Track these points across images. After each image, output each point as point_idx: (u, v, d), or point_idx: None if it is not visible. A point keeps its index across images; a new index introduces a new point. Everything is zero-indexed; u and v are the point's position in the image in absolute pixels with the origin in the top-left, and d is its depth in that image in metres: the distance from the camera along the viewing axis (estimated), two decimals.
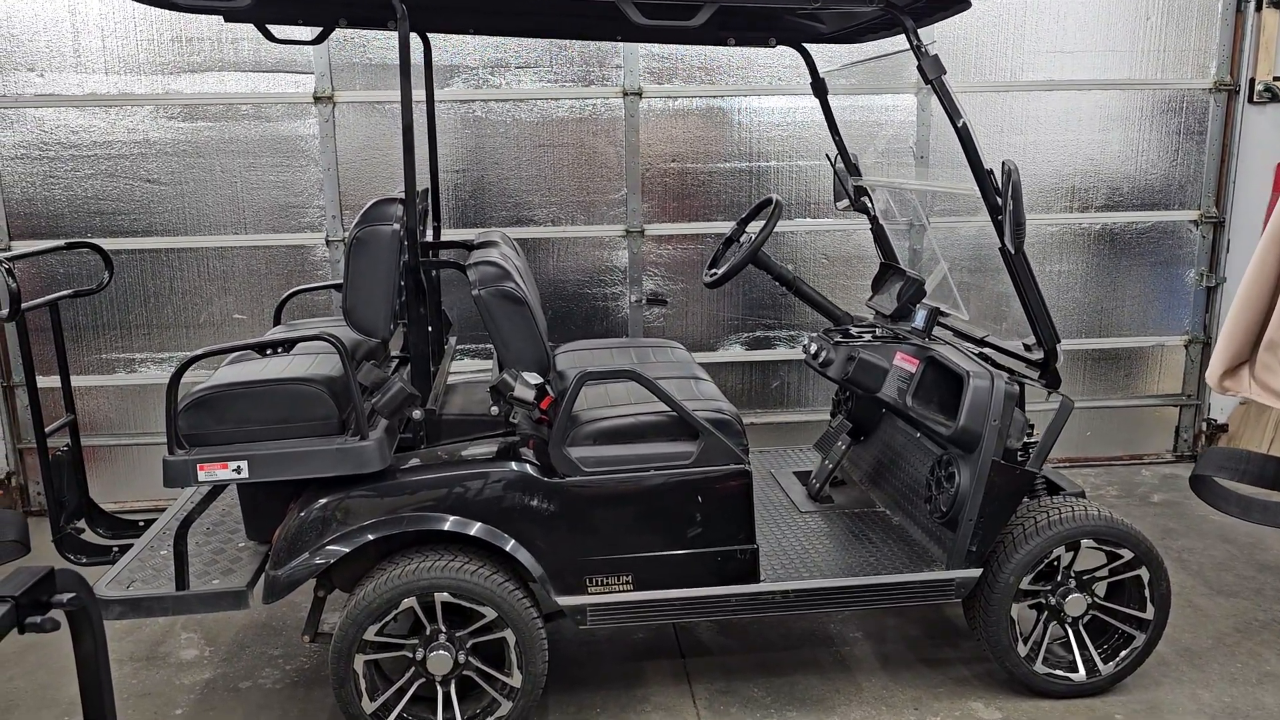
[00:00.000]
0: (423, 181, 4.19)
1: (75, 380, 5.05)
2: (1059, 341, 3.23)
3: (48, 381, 3.80)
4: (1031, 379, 3.34)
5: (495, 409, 3.22)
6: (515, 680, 3.09)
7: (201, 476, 2.91)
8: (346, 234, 5.04)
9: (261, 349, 3.06)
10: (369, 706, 3.05)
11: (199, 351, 2.93)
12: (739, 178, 5.28)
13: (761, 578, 3.23)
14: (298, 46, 4.81)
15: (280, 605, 4.02)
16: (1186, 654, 3.70)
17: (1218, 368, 1.94)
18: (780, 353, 5.46)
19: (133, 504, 5.09)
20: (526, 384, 3.09)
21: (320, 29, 3.72)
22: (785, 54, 5.12)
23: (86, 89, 4.87)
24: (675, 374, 3.68)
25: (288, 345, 3.16)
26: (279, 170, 5.04)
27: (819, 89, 4.11)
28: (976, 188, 3.11)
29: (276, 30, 3.66)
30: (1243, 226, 5.49)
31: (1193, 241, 5.58)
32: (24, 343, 3.38)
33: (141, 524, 3.71)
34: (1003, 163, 3.00)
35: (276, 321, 4.09)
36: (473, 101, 5.07)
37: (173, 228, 5.03)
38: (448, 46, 4.98)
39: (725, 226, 5.25)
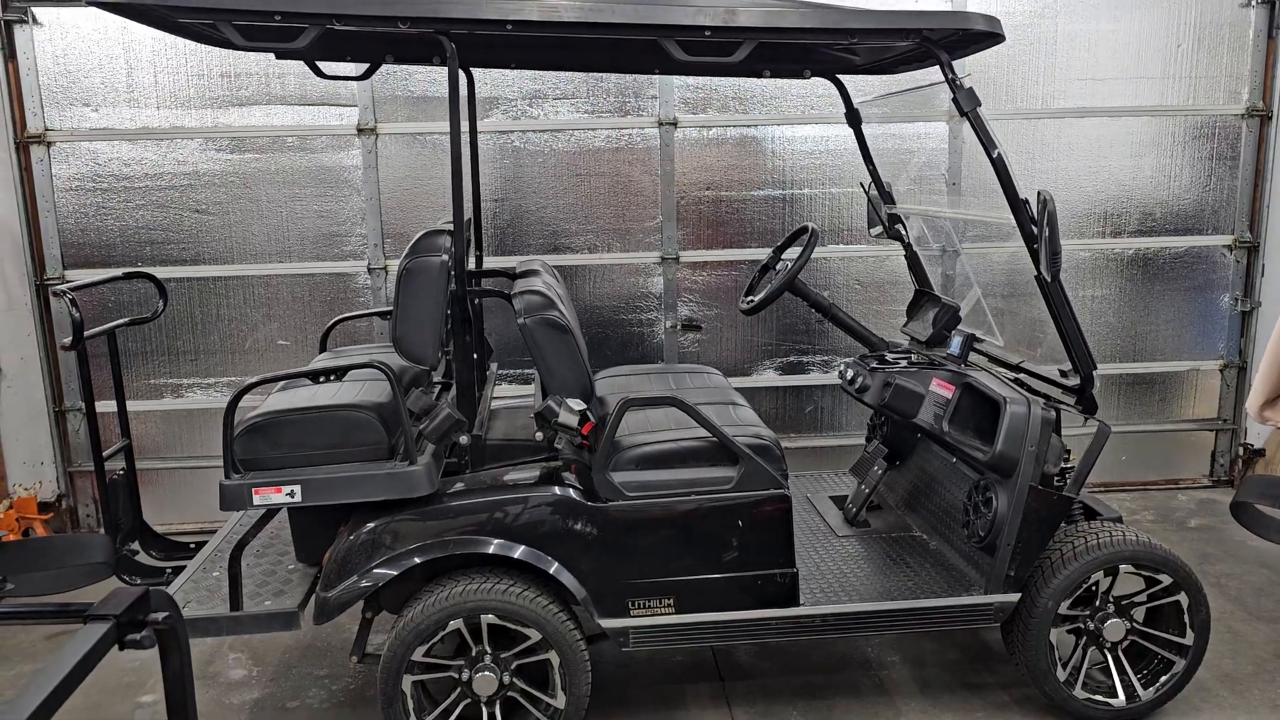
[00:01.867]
0: (465, 211, 4.29)
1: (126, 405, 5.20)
2: (1095, 367, 3.27)
3: (104, 407, 3.91)
4: (1068, 405, 3.37)
5: (540, 435, 3.29)
6: (559, 701, 3.15)
7: (257, 500, 3.00)
8: (395, 263, 5.16)
9: (315, 376, 3.15)
10: None
11: (255, 379, 3.03)
12: (773, 205, 5.35)
13: (801, 601, 3.27)
14: (342, 81, 4.94)
15: (325, 626, 4.11)
16: (1227, 680, 3.69)
17: (1258, 398, 1.98)
18: (814, 377, 5.51)
19: (179, 526, 5.20)
20: (570, 410, 3.16)
21: (368, 65, 3.84)
22: (818, 83, 5.20)
23: (139, 123, 5.02)
24: (713, 400, 3.74)
25: (340, 373, 3.25)
26: (323, 200, 5.17)
27: (853, 119, 4.18)
28: (1011, 216, 3.16)
29: (325, 66, 3.78)
30: (1277, 251, 5.50)
31: (1227, 266, 5.59)
32: (84, 370, 3.49)
33: (193, 546, 3.82)
34: (1038, 193, 3.05)
35: (322, 348, 4.20)
36: (511, 132, 5.19)
37: (220, 256, 5.16)
38: (487, 79, 5.10)
39: (759, 253, 5.32)
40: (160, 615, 1.36)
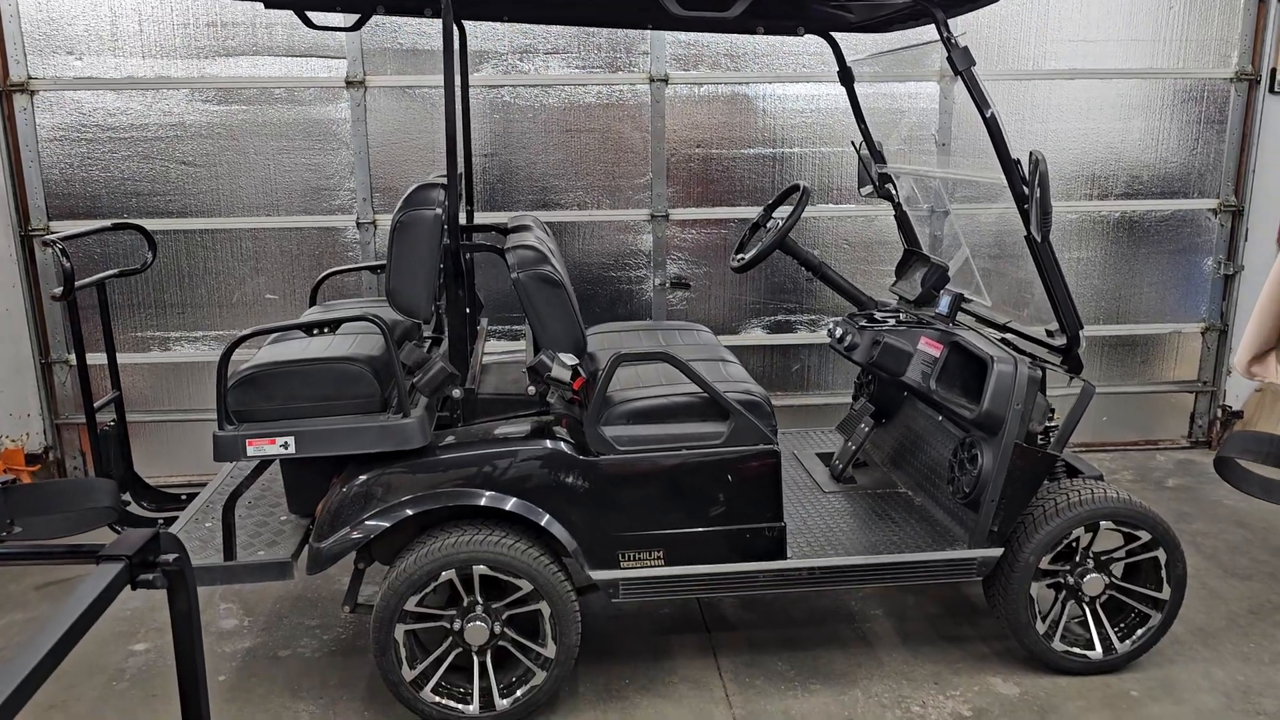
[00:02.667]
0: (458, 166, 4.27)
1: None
2: (1082, 328, 3.31)
3: (93, 359, 3.90)
4: (1054, 364, 3.42)
5: (533, 389, 3.31)
6: (549, 651, 3.20)
7: (250, 451, 3.01)
8: (385, 218, 5.14)
9: (308, 329, 3.16)
10: (408, 674, 3.16)
11: (248, 331, 3.03)
12: (763, 164, 5.35)
13: (788, 555, 3.33)
14: (330, 32, 4.89)
15: (315, 578, 4.16)
16: (1200, 634, 3.79)
17: (1245, 354, 2.02)
18: (801, 336, 5.55)
19: (168, 478, 5.21)
20: (563, 365, 3.18)
21: (358, 16, 3.80)
22: (810, 42, 5.18)
23: (124, 72, 4.96)
24: (703, 356, 3.76)
25: (334, 326, 3.26)
26: (311, 153, 5.13)
27: (846, 77, 4.18)
28: (1002, 176, 3.18)
29: (314, 17, 3.74)
30: (1261, 215, 5.55)
31: (1211, 230, 5.63)
32: (74, 321, 3.48)
33: (184, 497, 3.84)
34: (1030, 153, 3.07)
35: (312, 302, 4.19)
36: (502, 87, 5.15)
37: (207, 209, 5.13)
38: (477, 33, 5.06)
39: (749, 211, 5.33)
40: (170, 557, 1.38)
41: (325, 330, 3.19)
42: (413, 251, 3.14)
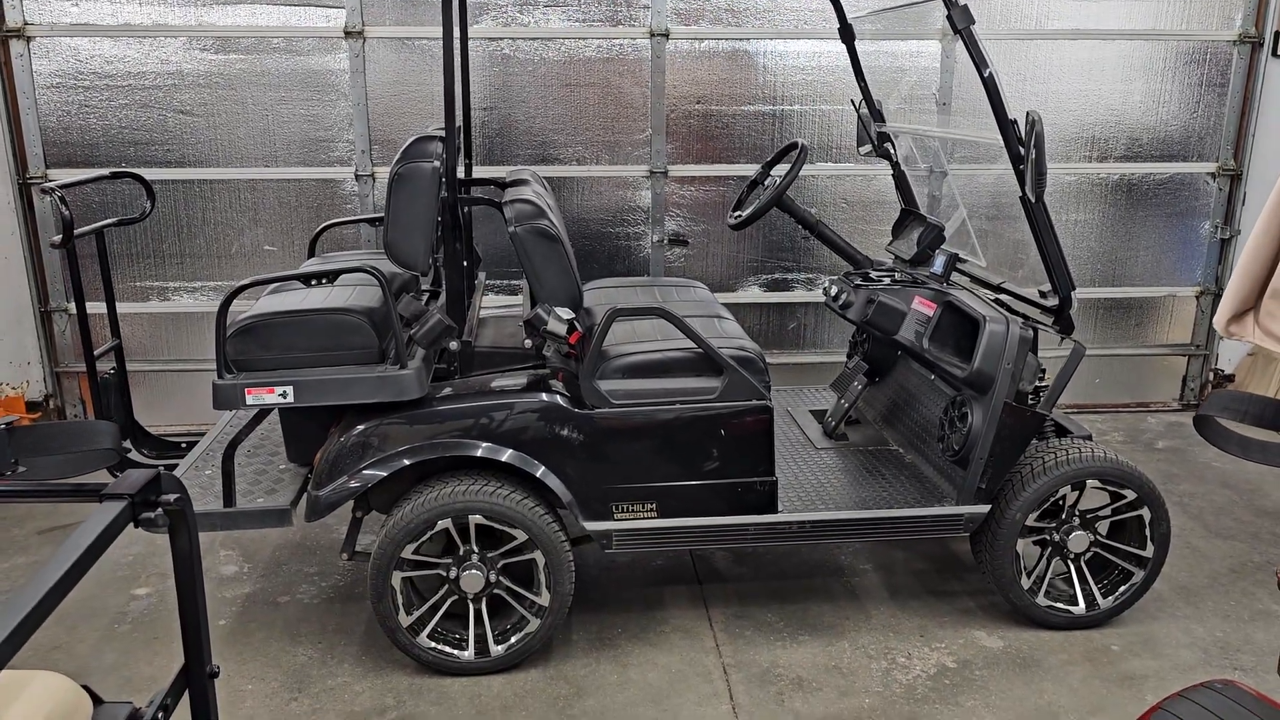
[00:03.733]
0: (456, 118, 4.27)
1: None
2: (1074, 289, 3.34)
3: (93, 307, 3.92)
4: (1045, 325, 3.45)
5: (529, 342, 3.35)
6: (544, 599, 3.26)
7: (249, 400, 3.05)
8: (383, 170, 5.14)
9: (306, 280, 3.18)
10: (405, 620, 3.23)
11: (247, 281, 3.06)
12: (762, 121, 5.34)
13: (779, 509, 3.38)
14: None
15: (313, 526, 4.21)
16: (1182, 592, 3.86)
17: (1225, 313, 2.04)
18: (798, 295, 5.57)
19: (166, 428, 5.25)
20: (559, 319, 3.21)
21: None
22: None
23: (121, 19, 4.93)
24: (699, 313, 3.79)
25: (332, 276, 3.28)
26: (309, 104, 5.11)
27: (846, 34, 4.16)
28: (999, 136, 3.19)
29: None
30: (1260, 180, 5.55)
31: (1209, 194, 5.64)
32: (74, 269, 3.50)
33: (184, 445, 3.88)
34: (1027, 113, 3.08)
35: (311, 254, 4.21)
36: (501, 39, 5.12)
37: (205, 159, 5.12)
38: None
39: (748, 169, 5.32)
40: (171, 497, 1.42)
41: (324, 281, 3.22)
42: (411, 204, 3.15)
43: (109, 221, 3.77)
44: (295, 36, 5.03)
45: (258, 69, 5.05)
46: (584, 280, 4.38)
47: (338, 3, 5.01)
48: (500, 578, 3.27)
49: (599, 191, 5.36)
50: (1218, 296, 5.77)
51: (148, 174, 5.00)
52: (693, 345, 3.29)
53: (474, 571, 3.23)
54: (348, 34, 5.03)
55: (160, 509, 1.41)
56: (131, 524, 1.37)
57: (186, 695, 1.61)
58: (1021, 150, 3.13)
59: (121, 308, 5.20)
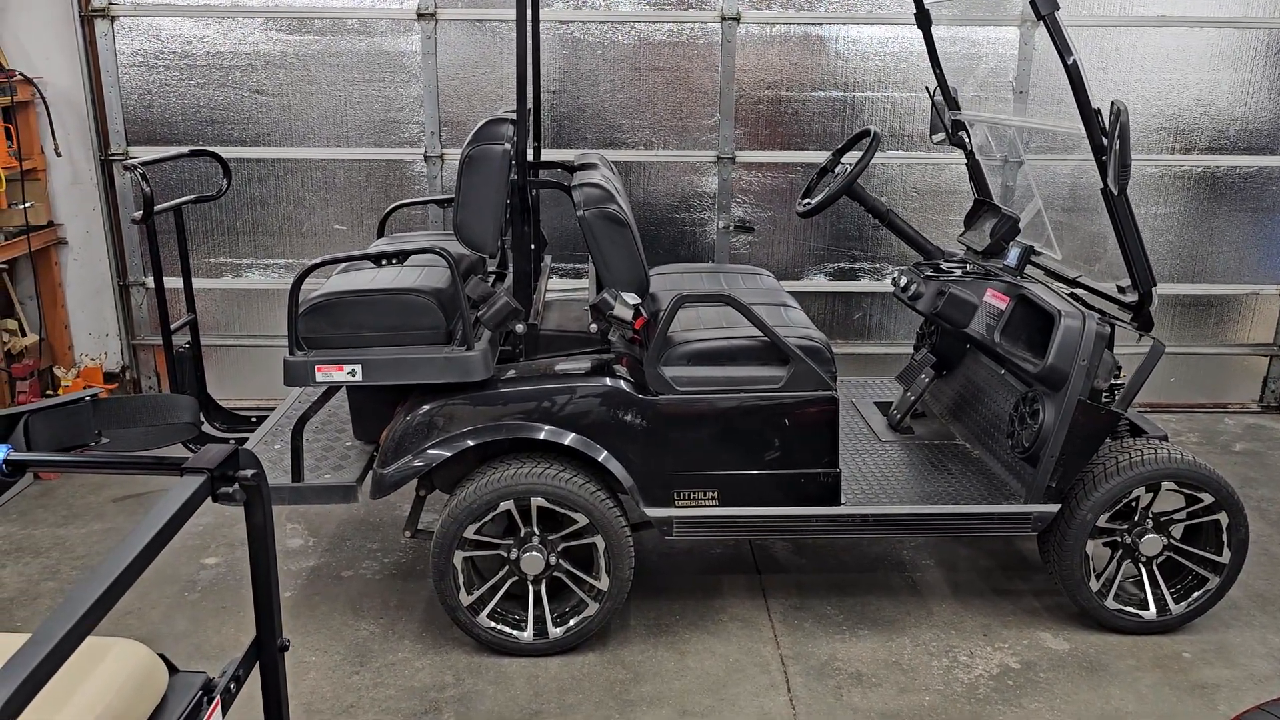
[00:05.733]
0: (514, 101, 4.28)
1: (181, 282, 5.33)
2: (1155, 285, 3.23)
3: (170, 282, 4.01)
4: (1123, 321, 3.35)
5: (594, 326, 3.34)
6: (603, 584, 3.27)
7: (319, 377, 3.10)
8: (452, 152, 5.17)
9: (377, 260, 3.21)
10: (466, 599, 3.26)
11: (319, 260, 3.10)
12: (833, 107, 5.27)
13: (842, 501, 3.34)
14: None
15: (377, 503, 4.27)
16: (1259, 599, 3.74)
17: None
18: (864, 284, 5.49)
19: (237, 401, 5.35)
20: (625, 304, 3.21)
21: None
22: None
23: (200, 0, 5.02)
24: (765, 301, 3.76)
25: (401, 257, 3.31)
26: (381, 85, 5.16)
27: (923, 20, 4.08)
28: (1080, 126, 3.10)
29: None
30: None
31: None
32: (153, 245, 3.58)
33: (254, 420, 3.96)
34: (1112, 103, 2.99)
35: (380, 234, 4.25)
36: (571, 22, 5.12)
37: (279, 138, 5.20)
38: None
39: (817, 156, 5.25)
40: (248, 473, 1.44)
41: (393, 261, 3.25)
42: (481, 186, 3.17)
43: (187, 199, 3.85)
44: (369, 18, 5.08)
45: (331, 50, 5.11)
46: (650, 265, 4.37)
47: None
48: (560, 560, 3.28)
49: (666, 176, 5.33)
50: None
51: (224, 152, 5.07)
52: (758, 334, 3.26)
53: (534, 554, 3.24)
54: (420, 16, 5.06)
55: (237, 484, 1.44)
56: (210, 498, 1.40)
57: (257, 666, 1.64)
58: (1105, 141, 3.04)
59: (197, 283, 5.27)
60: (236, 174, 5.19)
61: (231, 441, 3.75)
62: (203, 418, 3.90)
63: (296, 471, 3.23)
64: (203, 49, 5.07)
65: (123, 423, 1.70)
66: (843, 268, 5.48)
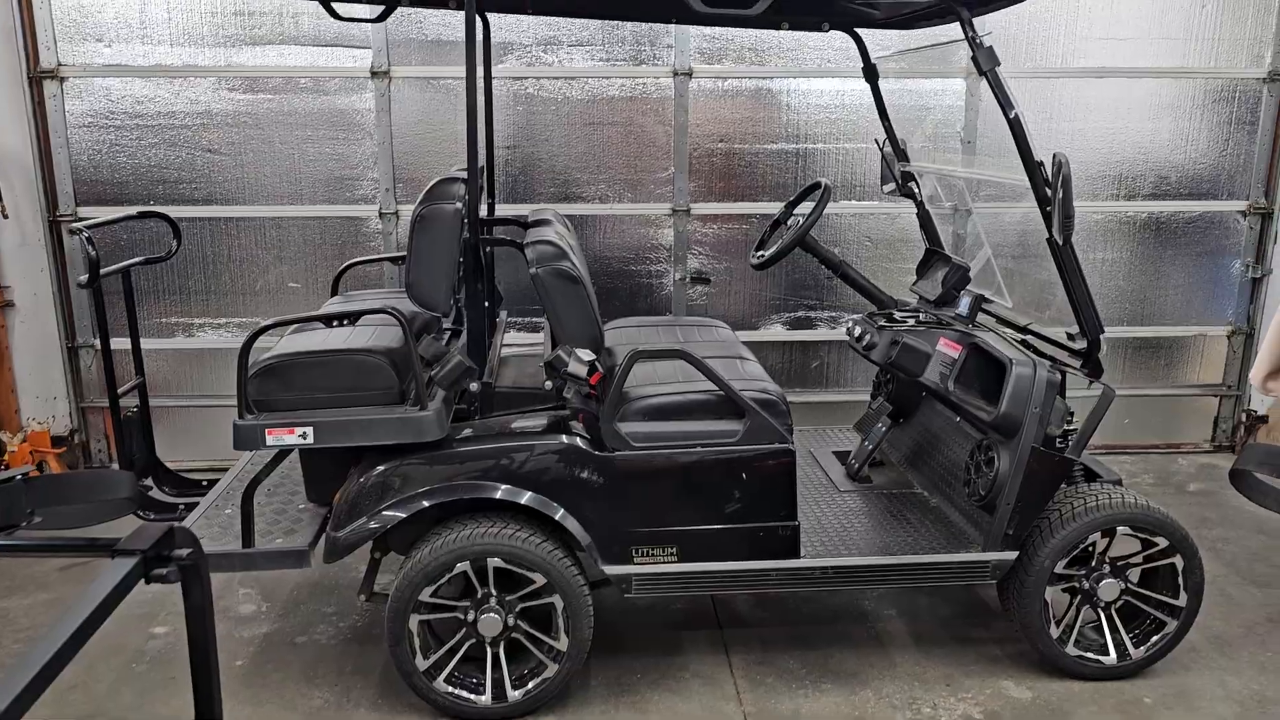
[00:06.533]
0: (479, 159, 4.29)
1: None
2: (1103, 332, 3.28)
3: (118, 344, 3.94)
4: (1074, 368, 3.39)
5: (549, 384, 3.33)
6: (562, 644, 3.22)
7: (269, 441, 3.05)
8: (407, 208, 5.16)
9: (328, 321, 3.18)
10: (422, 664, 3.19)
11: (270, 321, 3.06)
12: (786, 159, 5.34)
13: (801, 553, 3.33)
14: (357, 23, 4.91)
15: (333, 565, 4.17)
16: (1217, 642, 3.76)
17: (1262, 369, 2.00)
18: (821, 333, 5.53)
19: (190, 463, 5.26)
20: (580, 360, 3.19)
21: (383, 7, 3.81)
22: (835, 36, 5.15)
23: (152, 60, 5.00)
24: (721, 353, 3.76)
25: (353, 318, 3.28)
26: (335, 143, 5.16)
27: (870, 74, 4.15)
28: (1025, 177, 3.16)
29: (339, 7, 3.75)
30: None
31: (1240, 232, 5.57)
32: (99, 308, 3.53)
33: (205, 483, 3.89)
34: (1054, 155, 3.05)
35: (334, 292, 4.22)
36: (525, 79, 5.16)
37: (232, 197, 5.17)
38: (502, 24, 5.06)
39: (771, 207, 5.31)
40: (184, 552, 1.40)
41: (345, 322, 3.22)
42: (433, 245, 3.16)
43: (135, 261, 3.80)
44: (322, 77, 5.09)
45: (285, 108, 5.11)
46: (606, 319, 4.37)
47: (365, 43, 5.06)
48: (518, 621, 3.23)
49: (621, 229, 5.36)
50: (1250, 336, 5.68)
51: (175, 212, 5.03)
52: (714, 387, 3.26)
53: (492, 615, 3.19)
54: (374, 74, 5.08)
55: (173, 564, 1.40)
56: (144, 581, 1.35)
57: None
58: (1048, 192, 3.10)
59: (147, 344, 5.21)
60: (189, 233, 5.14)
61: (180, 508, 3.70)
62: (151, 482, 3.82)
63: (247, 537, 3.17)
64: (154, 109, 5.05)
65: (56, 500, 1.66)
66: (799, 317, 5.52)
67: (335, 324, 3.20)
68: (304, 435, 3.05)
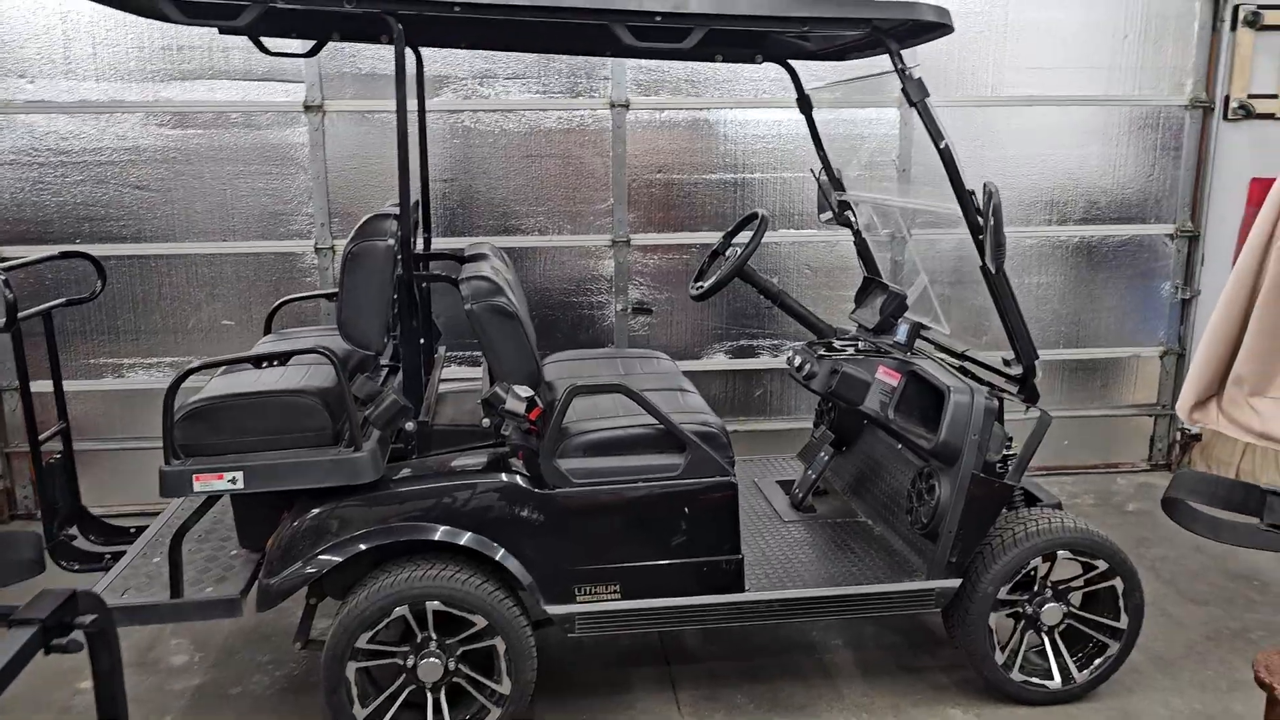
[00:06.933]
0: (413, 193, 4.24)
1: (64, 385, 5.07)
2: (1037, 358, 3.31)
3: (40, 387, 3.81)
4: (1011, 394, 3.42)
5: (487, 421, 3.27)
6: (504, 688, 3.15)
7: (197, 487, 2.95)
8: (342, 244, 5.08)
9: (257, 362, 3.10)
10: (360, 713, 3.10)
11: (196, 363, 2.98)
12: (724, 189, 5.35)
13: (746, 587, 3.30)
14: (288, 58, 4.85)
15: (270, 611, 4.06)
16: (1159, 662, 3.79)
17: (1188, 400, 2.02)
18: (764, 361, 5.54)
19: (119, 508, 5.09)
20: (517, 397, 3.15)
21: (314, 42, 3.76)
22: (770, 68, 5.19)
23: (77, 96, 4.89)
24: (661, 386, 3.74)
25: (283, 358, 3.20)
26: (268, 178, 5.07)
27: (804, 105, 4.18)
28: (958, 207, 3.19)
29: (269, 43, 3.70)
30: (1217, 240, 5.62)
31: (1168, 255, 5.69)
32: (19, 351, 3.41)
33: (132, 530, 3.75)
34: (984, 184, 3.08)
35: (267, 330, 4.13)
36: (461, 112, 5.12)
37: (162, 234, 5.05)
38: (437, 57, 5.02)
39: (710, 237, 5.32)
40: (88, 618, 1.33)
41: (275, 363, 3.14)
42: (365, 283, 3.10)
43: (57, 303, 3.69)
44: (254, 111, 5.01)
45: (216, 143, 5.01)
46: (547, 352, 4.33)
47: (297, 77, 5.00)
48: (459, 665, 3.15)
49: (561, 261, 5.33)
50: (1181, 356, 5.80)
51: (103, 250, 4.93)
52: (654, 421, 3.23)
53: (432, 660, 3.11)
54: (307, 108, 5.01)
55: (77, 630, 1.32)
56: (43, 652, 1.28)
57: None
58: (980, 221, 3.13)
59: (77, 385, 5.10)
60: (118, 271, 5.02)
61: (107, 557, 3.56)
62: (77, 531, 3.69)
63: (175, 587, 3.06)
64: (79, 145, 4.93)
65: None
66: (741, 345, 5.52)
67: (265, 364, 3.12)
68: (233, 480, 2.96)
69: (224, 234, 5.09)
